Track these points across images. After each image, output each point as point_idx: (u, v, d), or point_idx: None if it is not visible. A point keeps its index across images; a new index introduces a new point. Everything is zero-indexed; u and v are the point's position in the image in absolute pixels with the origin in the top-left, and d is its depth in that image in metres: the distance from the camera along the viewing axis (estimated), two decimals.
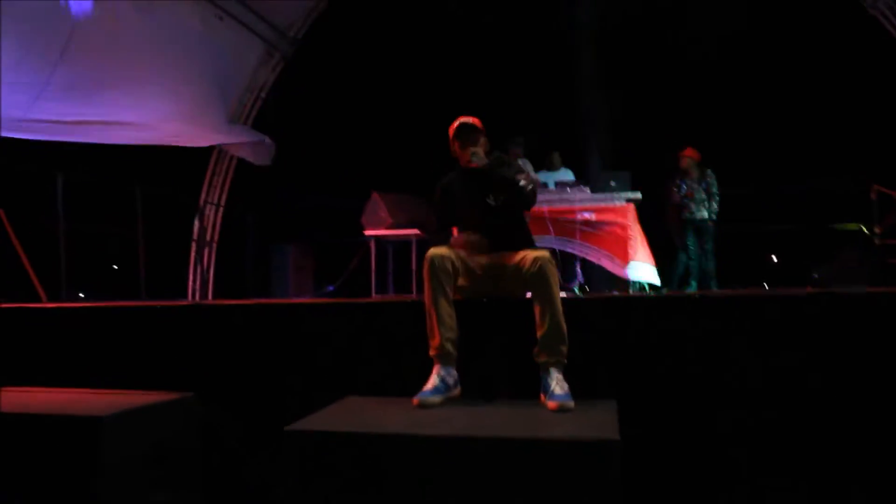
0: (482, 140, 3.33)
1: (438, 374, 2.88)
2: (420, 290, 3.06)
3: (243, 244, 9.42)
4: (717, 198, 7.39)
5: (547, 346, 2.85)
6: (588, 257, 6.95)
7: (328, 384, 3.33)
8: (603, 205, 6.79)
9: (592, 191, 6.81)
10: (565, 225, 6.93)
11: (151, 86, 6.73)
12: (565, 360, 2.86)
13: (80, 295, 9.11)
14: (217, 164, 9.12)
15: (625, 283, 6.69)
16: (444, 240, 3.23)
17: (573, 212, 6.83)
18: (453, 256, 3.01)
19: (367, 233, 6.89)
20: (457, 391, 2.91)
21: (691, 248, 7.39)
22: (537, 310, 2.87)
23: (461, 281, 3.09)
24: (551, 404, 2.68)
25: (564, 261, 7.14)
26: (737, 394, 3.01)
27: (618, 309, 3.23)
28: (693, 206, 7.42)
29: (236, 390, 3.50)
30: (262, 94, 9.16)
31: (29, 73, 5.47)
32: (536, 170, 7.67)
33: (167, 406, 2.87)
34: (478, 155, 3.25)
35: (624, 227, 6.72)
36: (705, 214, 7.39)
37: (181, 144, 7.57)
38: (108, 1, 5.83)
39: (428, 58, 9.73)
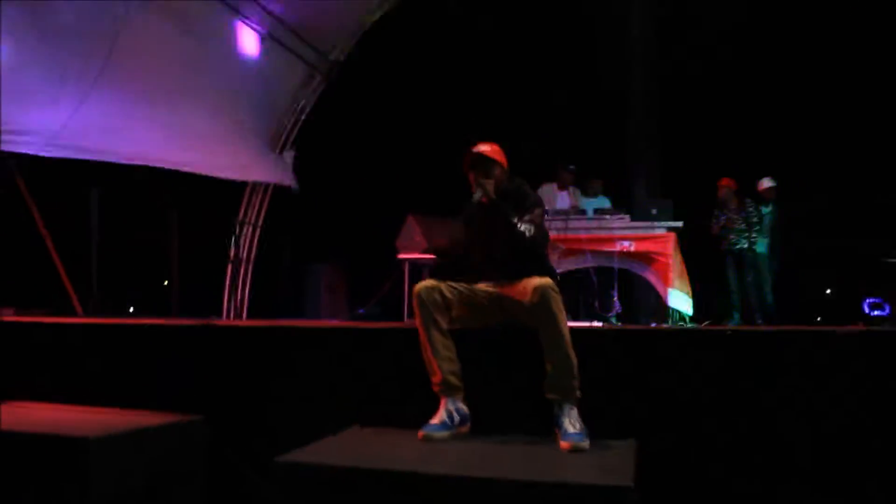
0: (496, 171, 3.18)
1: (446, 409, 2.74)
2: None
3: (278, 263, 9.40)
4: (758, 227, 7.14)
5: (556, 382, 2.68)
6: (632, 269, 6.74)
7: (339, 411, 3.19)
8: (643, 233, 6.58)
9: (633, 218, 6.62)
10: (604, 254, 6.73)
11: (189, 105, 6.79)
12: (578, 394, 2.68)
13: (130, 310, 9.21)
14: (256, 184, 9.13)
15: (664, 314, 6.44)
16: (451, 262, 3.10)
17: (612, 240, 6.62)
18: (442, 287, 2.89)
19: (401, 256, 6.79)
20: (465, 427, 2.76)
21: (731, 279, 7.15)
22: (543, 343, 2.71)
23: (458, 311, 2.94)
24: (564, 444, 2.50)
25: (602, 289, 6.95)
26: (767, 438, 2.77)
27: (642, 341, 3.03)
28: (732, 237, 7.19)
29: (249, 415, 3.38)
30: (303, 116, 9.17)
31: (66, 91, 5.53)
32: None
33: (168, 429, 2.77)
34: (483, 189, 3.11)
35: (665, 256, 6.48)
36: (745, 245, 7.15)
37: (219, 176, 7.55)
38: (148, 19, 5.89)
39: (470, 80, 9.67)
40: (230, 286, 8.92)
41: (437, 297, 2.84)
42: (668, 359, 2.94)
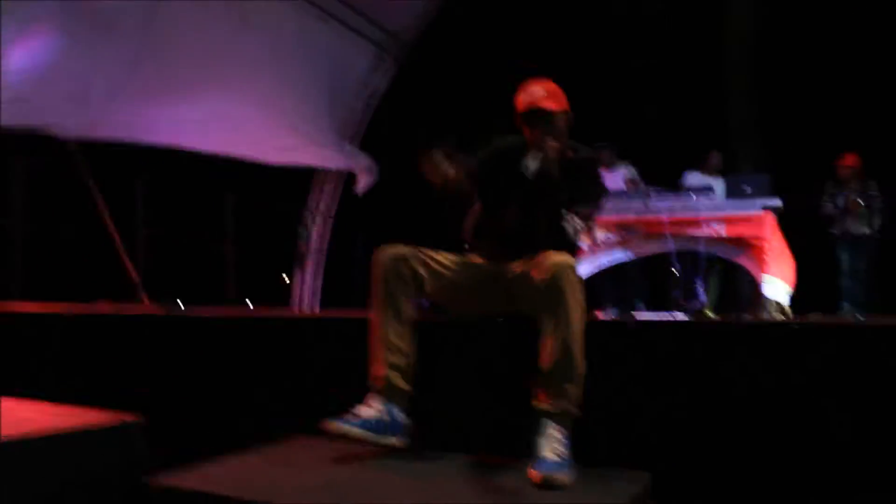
0: (560, 126, 2.43)
1: (374, 408, 2.14)
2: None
3: (350, 253, 9.14)
4: (880, 212, 6.21)
5: (550, 384, 2.05)
6: (722, 255, 5.94)
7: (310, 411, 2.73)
8: (734, 213, 5.74)
9: (726, 196, 5.81)
10: (689, 239, 5.95)
11: (239, 87, 6.55)
12: (575, 411, 2.05)
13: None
14: (326, 172, 8.88)
15: (759, 304, 5.60)
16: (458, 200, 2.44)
17: (699, 223, 5.82)
18: (412, 259, 2.28)
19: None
20: (398, 440, 2.15)
21: (844, 266, 6.22)
22: (544, 333, 2.08)
23: (435, 289, 2.33)
24: (534, 474, 1.88)
25: (685, 277, 6.19)
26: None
27: (730, 336, 2.35)
28: (849, 221, 6.27)
29: (202, 414, 2.99)
30: (374, 101, 8.81)
31: (106, 72, 5.41)
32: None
33: (93, 434, 2.39)
34: (545, 160, 2.35)
35: (761, 239, 5.63)
36: (865, 230, 6.21)
37: (280, 162, 7.32)
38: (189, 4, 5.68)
39: (551, 56, 8.99)
40: (299, 276, 8.73)
41: (405, 270, 2.24)
42: (763, 357, 2.27)
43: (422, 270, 2.28)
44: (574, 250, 2.38)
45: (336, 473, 1.94)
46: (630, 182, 6.38)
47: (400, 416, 2.17)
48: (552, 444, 1.96)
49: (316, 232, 8.98)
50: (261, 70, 6.77)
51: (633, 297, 6.27)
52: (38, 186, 6.60)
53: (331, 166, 8.32)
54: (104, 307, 4.50)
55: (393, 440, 2.14)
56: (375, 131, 8.74)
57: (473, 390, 2.47)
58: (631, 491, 1.86)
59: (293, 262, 8.63)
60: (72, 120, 5.41)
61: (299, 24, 7.15)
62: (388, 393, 2.17)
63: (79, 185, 6.21)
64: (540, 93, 2.46)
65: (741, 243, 5.72)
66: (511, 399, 2.20)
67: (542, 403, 2.04)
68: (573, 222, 2.34)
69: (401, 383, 2.19)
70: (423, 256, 2.31)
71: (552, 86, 2.50)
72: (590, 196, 2.45)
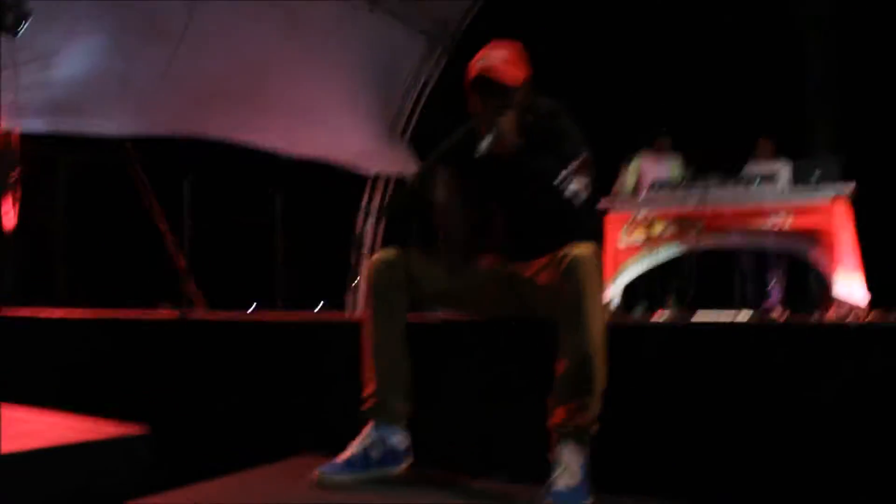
0: (516, 98, 2.05)
1: (364, 441, 1.93)
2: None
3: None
4: None
5: (565, 395, 1.79)
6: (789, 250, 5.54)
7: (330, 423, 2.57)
8: (801, 202, 5.31)
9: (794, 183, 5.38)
10: (753, 232, 5.56)
11: (289, 84, 6.51)
12: (594, 427, 1.79)
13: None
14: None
15: (829, 303, 5.17)
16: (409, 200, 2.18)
17: (763, 214, 5.41)
18: (415, 262, 2.04)
19: None
20: (397, 467, 1.95)
21: None
22: (560, 336, 1.82)
23: (435, 291, 2.10)
24: None
25: (757, 272, 5.83)
26: None
27: (802, 338, 2.02)
28: None
29: (217, 424, 2.86)
30: (426, 91, 8.63)
31: (151, 71, 5.42)
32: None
33: (97, 446, 2.30)
34: (497, 133, 2.02)
35: (830, 230, 5.20)
36: None
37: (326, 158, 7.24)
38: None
39: (605, 44, 8.61)
40: (354, 278, 8.64)
41: (399, 276, 2.02)
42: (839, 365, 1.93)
43: (419, 274, 2.05)
44: (589, 217, 2.10)
45: (320, 501, 1.76)
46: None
47: (397, 440, 1.96)
48: (568, 468, 1.72)
49: (370, 229, 8.88)
50: (310, 65, 6.72)
51: (690, 295, 5.91)
52: (80, 187, 6.68)
53: (376, 170, 8.20)
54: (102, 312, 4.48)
55: (386, 472, 1.93)
56: (427, 123, 8.54)
57: (479, 404, 2.25)
58: None
59: (348, 264, 8.54)
60: (120, 120, 5.44)
61: (348, 17, 7.03)
62: (383, 414, 1.96)
63: (126, 186, 6.27)
64: (497, 58, 2.06)
65: (809, 235, 5.30)
66: (522, 415, 1.97)
67: (559, 417, 1.80)
68: (567, 185, 1.98)
69: (395, 404, 1.97)
70: (420, 260, 2.07)
71: (515, 52, 2.11)
72: (565, 150, 2.03)
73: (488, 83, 2.05)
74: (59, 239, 6.67)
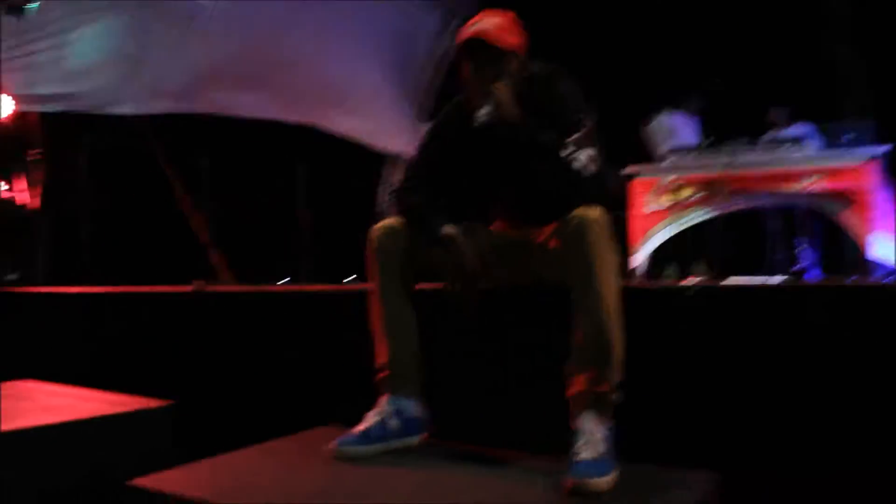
0: (511, 66, 1.98)
1: (381, 410, 1.91)
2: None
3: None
4: None
5: (581, 362, 1.74)
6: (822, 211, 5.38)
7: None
8: (834, 164, 5.17)
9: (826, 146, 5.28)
10: (784, 195, 5.43)
11: (307, 59, 6.46)
12: (615, 395, 1.74)
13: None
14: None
15: (864, 266, 5.05)
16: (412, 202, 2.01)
17: (795, 176, 5.28)
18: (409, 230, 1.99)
19: None
20: (415, 438, 1.92)
21: None
22: (574, 300, 1.76)
23: (439, 258, 1.99)
24: (567, 482, 1.57)
25: (786, 237, 5.69)
26: None
27: (792, 305, 1.97)
28: None
29: (238, 397, 2.85)
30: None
31: (166, 53, 5.40)
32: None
33: (118, 419, 2.30)
34: (496, 101, 1.92)
35: (864, 193, 5.06)
36: None
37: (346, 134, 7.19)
38: None
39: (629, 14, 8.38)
40: None
41: (400, 243, 1.97)
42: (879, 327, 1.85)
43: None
44: (596, 182, 1.94)
45: (338, 473, 1.74)
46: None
47: (413, 409, 1.94)
48: (590, 440, 1.67)
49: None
50: (328, 39, 6.66)
51: (719, 260, 5.80)
52: (103, 165, 6.71)
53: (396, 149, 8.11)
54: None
55: (405, 442, 1.91)
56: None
57: (498, 374, 2.21)
58: (692, 497, 1.55)
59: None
60: (136, 99, 5.45)
61: None
62: (396, 385, 1.94)
63: (147, 164, 6.29)
64: (491, 23, 1.98)
65: (842, 197, 5.16)
66: (543, 385, 1.92)
67: (577, 387, 1.75)
68: (576, 155, 1.89)
69: (407, 371, 1.95)
70: None
71: (509, 19, 2.03)
72: (567, 119, 1.94)
73: (482, 46, 1.96)
74: (84, 219, 6.72)
